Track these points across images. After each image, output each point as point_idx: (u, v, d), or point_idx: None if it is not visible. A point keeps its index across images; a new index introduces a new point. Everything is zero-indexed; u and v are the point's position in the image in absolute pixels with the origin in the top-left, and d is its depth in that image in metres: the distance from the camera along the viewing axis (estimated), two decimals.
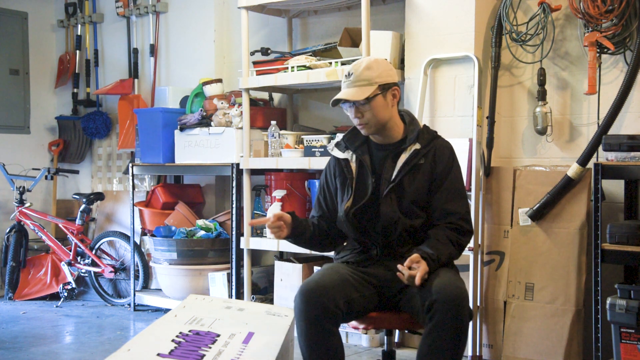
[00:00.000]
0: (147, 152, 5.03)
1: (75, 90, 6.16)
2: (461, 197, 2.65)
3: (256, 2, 4.37)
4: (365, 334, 4.01)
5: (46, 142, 6.25)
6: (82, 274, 5.41)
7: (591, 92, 3.49)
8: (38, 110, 6.24)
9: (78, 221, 5.41)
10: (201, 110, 4.79)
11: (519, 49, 3.79)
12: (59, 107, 6.33)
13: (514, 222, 3.74)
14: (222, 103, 4.69)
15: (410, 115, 2.74)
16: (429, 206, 2.64)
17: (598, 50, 3.48)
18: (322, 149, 4.07)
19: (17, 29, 6.12)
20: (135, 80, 5.73)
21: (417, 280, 2.38)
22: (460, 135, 3.81)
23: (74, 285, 5.36)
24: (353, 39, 4.16)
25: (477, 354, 3.70)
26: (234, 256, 4.55)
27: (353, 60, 2.89)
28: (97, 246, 5.39)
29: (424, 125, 2.74)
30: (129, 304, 5.11)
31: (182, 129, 4.83)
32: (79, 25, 6.09)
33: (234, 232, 4.55)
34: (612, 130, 3.49)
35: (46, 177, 5.78)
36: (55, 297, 5.46)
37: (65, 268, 5.38)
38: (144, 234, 5.18)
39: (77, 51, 6.11)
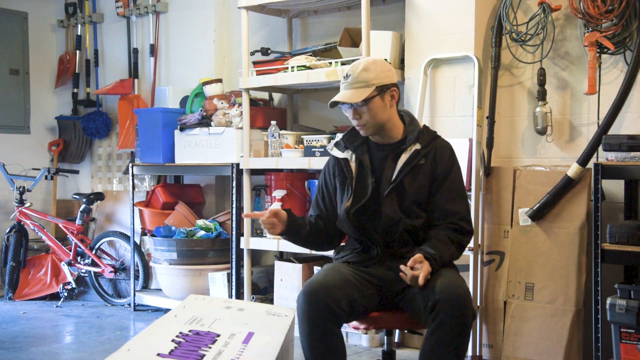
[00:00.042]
0: (147, 152, 5.03)
1: (75, 90, 6.16)
2: (461, 198, 2.65)
3: (256, 2, 4.37)
4: (365, 334, 4.01)
5: (46, 142, 6.25)
6: (82, 274, 5.41)
7: (591, 92, 3.49)
8: (38, 110, 6.24)
9: (78, 221, 5.41)
10: (201, 110, 4.79)
11: (519, 49, 3.79)
12: (59, 107, 6.33)
13: (514, 222, 3.74)
14: (222, 103, 4.69)
15: (410, 116, 2.74)
16: (429, 206, 2.64)
17: (598, 50, 3.48)
18: (322, 149, 4.06)
19: (17, 29, 6.12)
20: (135, 80, 5.73)
21: (421, 281, 2.38)
22: (460, 135, 3.81)
23: (74, 285, 5.36)
24: (353, 39, 4.16)
25: (477, 354, 3.70)
26: (234, 256, 4.55)
27: (353, 60, 2.89)
28: (97, 246, 5.39)
29: (424, 126, 2.74)
30: (129, 304, 5.11)
31: (182, 129, 4.83)
32: (79, 25, 6.10)
33: (234, 232, 4.55)
34: (612, 130, 3.49)
35: (46, 177, 5.78)
36: (55, 297, 5.46)
37: (65, 268, 5.38)
38: (144, 234, 5.18)
39: (77, 51, 6.11)
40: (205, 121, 4.74)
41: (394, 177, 2.60)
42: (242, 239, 4.48)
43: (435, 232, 2.58)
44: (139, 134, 5.11)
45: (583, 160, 3.52)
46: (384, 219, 2.59)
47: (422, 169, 2.62)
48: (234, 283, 4.55)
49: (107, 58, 6.04)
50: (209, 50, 5.29)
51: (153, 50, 5.61)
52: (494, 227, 3.80)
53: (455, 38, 3.83)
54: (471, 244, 3.62)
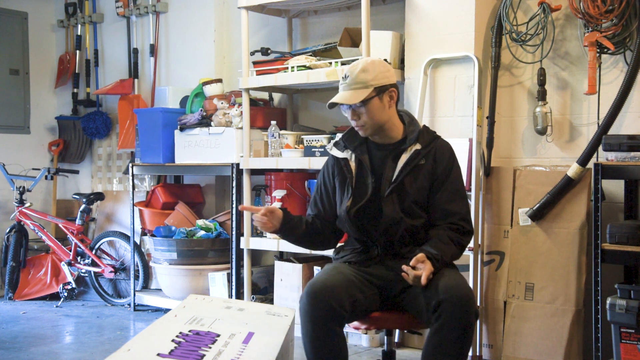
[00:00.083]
0: (147, 152, 5.03)
1: (75, 90, 6.16)
2: (462, 198, 2.65)
3: (256, 2, 4.37)
4: (365, 334, 4.01)
5: (46, 142, 6.25)
6: (82, 274, 5.41)
7: (591, 92, 3.49)
8: (38, 110, 6.24)
9: (78, 221, 5.41)
10: (201, 110, 4.79)
11: (519, 49, 3.79)
12: (59, 107, 6.33)
13: (514, 222, 3.74)
14: (222, 103, 4.69)
15: (409, 116, 2.74)
16: (429, 206, 2.64)
17: (598, 50, 3.48)
18: (322, 149, 4.07)
19: (17, 29, 6.12)
20: (135, 80, 5.73)
21: (423, 280, 2.38)
22: (460, 135, 3.81)
23: (74, 285, 5.36)
24: (353, 39, 4.16)
25: (477, 354, 3.70)
26: (234, 256, 4.55)
27: (353, 60, 2.89)
28: (97, 246, 5.39)
29: (424, 126, 2.74)
30: (129, 304, 5.11)
31: (182, 129, 4.83)
32: (79, 25, 6.10)
33: (234, 232, 4.55)
34: (612, 130, 3.49)
35: (46, 177, 5.78)
36: (55, 297, 5.46)
37: (65, 268, 5.38)
38: (144, 234, 5.18)
39: (77, 51, 6.11)
40: (205, 121, 4.74)
41: (394, 177, 2.61)
42: (242, 239, 4.48)
43: (436, 232, 2.59)
44: (139, 134, 5.11)
45: (583, 160, 3.52)
46: (385, 219, 2.60)
47: (423, 169, 2.62)
48: (234, 283, 4.55)
49: (107, 58, 6.04)
50: (209, 50, 5.29)
51: (153, 50, 5.61)
52: (494, 227, 3.80)
53: (455, 38, 3.83)
54: (471, 244, 3.62)
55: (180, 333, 2.29)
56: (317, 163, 4.05)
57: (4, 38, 6.04)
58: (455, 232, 2.59)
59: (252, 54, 4.58)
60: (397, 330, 3.90)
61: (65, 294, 5.32)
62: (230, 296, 4.55)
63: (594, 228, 3.15)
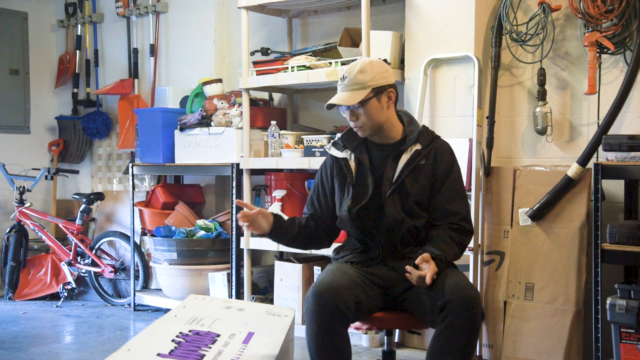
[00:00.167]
0: (147, 152, 5.03)
1: (75, 90, 6.16)
2: (462, 198, 2.66)
3: (256, 2, 4.37)
4: (365, 334, 4.00)
5: (46, 142, 6.25)
6: (82, 274, 5.41)
7: (591, 92, 3.49)
8: (38, 110, 6.24)
9: (78, 221, 5.40)
10: (201, 110, 4.79)
11: (519, 49, 3.79)
12: (59, 107, 6.33)
13: (514, 222, 3.74)
14: (222, 103, 4.69)
15: (409, 116, 2.74)
16: (430, 206, 2.64)
17: (598, 50, 3.48)
18: (322, 149, 4.06)
19: (17, 29, 6.12)
20: (135, 80, 5.73)
21: (428, 280, 2.38)
22: (460, 135, 3.81)
23: (74, 285, 5.36)
24: (353, 39, 4.16)
25: (477, 354, 3.70)
26: (234, 256, 4.55)
27: (353, 60, 2.89)
28: (97, 246, 5.39)
29: (423, 126, 2.74)
30: (129, 304, 5.11)
31: (182, 129, 4.83)
32: (79, 25, 6.09)
33: (234, 232, 4.55)
34: (612, 130, 3.49)
35: (46, 177, 5.78)
36: (55, 297, 5.46)
37: (65, 268, 5.38)
38: (144, 234, 5.18)
39: (77, 51, 6.11)
40: (205, 121, 4.74)
41: (395, 177, 2.60)
42: (242, 239, 4.48)
43: (437, 232, 2.59)
44: (139, 134, 5.11)
45: (583, 160, 3.52)
46: (387, 220, 2.59)
47: (423, 169, 2.62)
48: (234, 283, 4.55)
49: (107, 58, 6.04)
50: (209, 50, 5.29)
51: (153, 50, 5.61)
52: (494, 227, 3.80)
53: (455, 38, 3.83)
54: (471, 244, 3.62)
55: (180, 333, 2.29)
56: (317, 163, 4.05)
57: (4, 38, 6.04)
58: (456, 232, 2.59)
59: (252, 54, 4.58)
60: (397, 330, 3.90)
61: (65, 294, 5.32)
62: (230, 296, 4.55)
63: (594, 228, 3.15)
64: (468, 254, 3.68)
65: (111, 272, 5.21)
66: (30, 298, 5.52)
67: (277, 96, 4.93)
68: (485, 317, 3.75)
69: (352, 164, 2.68)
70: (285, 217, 2.77)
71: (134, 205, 5.13)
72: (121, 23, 5.86)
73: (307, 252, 4.09)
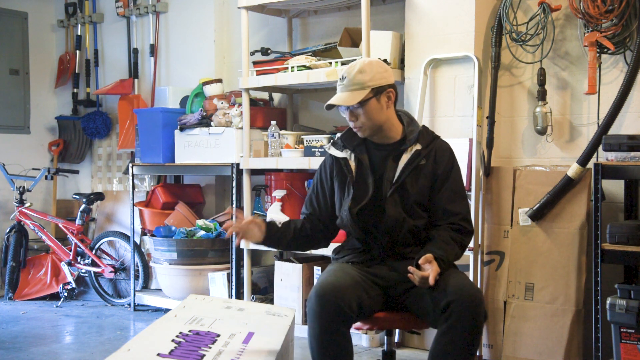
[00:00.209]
0: (147, 152, 5.03)
1: (75, 90, 6.16)
2: (462, 198, 2.66)
3: (256, 2, 4.37)
4: (366, 334, 4.00)
5: (46, 142, 6.25)
6: (82, 274, 5.41)
7: (591, 92, 3.49)
8: (38, 110, 6.24)
9: (78, 221, 5.40)
10: (201, 110, 4.79)
11: (519, 49, 3.79)
12: (59, 107, 6.33)
13: (514, 222, 3.74)
14: (222, 103, 4.69)
15: (408, 116, 2.74)
16: (430, 207, 2.64)
17: (598, 50, 3.48)
18: (322, 149, 4.06)
19: (17, 29, 6.12)
20: (135, 80, 5.73)
21: (431, 281, 2.38)
22: (460, 135, 3.81)
23: (74, 285, 5.36)
24: (353, 39, 4.16)
25: (477, 353, 3.70)
26: (234, 256, 4.55)
27: (353, 60, 2.89)
28: (97, 246, 5.39)
29: (423, 126, 2.74)
30: (129, 304, 5.11)
31: (182, 129, 4.83)
32: (79, 25, 6.09)
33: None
34: (612, 130, 3.50)
35: (46, 177, 5.78)
36: (55, 297, 5.46)
37: (65, 268, 5.38)
38: (144, 234, 5.18)
39: (77, 51, 6.11)
40: (205, 121, 4.74)
41: (396, 177, 2.60)
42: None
43: (438, 232, 2.58)
44: (139, 134, 5.11)
45: (583, 160, 3.52)
46: (388, 220, 2.59)
47: (424, 169, 2.62)
48: (234, 283, 4.55)
49: (107, 58, 6.04)
50: (209, 50, 5.29)
51: (153, 50, 5.61)
52: (494, 227, 3.80)
53: (455, 38, 3.83)
54: (471, 244, 3.62)
55: (180, 333, 2.29)
56: (317, 163, 4.02)
57: (4, 38, 6.04)
58: (457, 232, 2.59)
59: (252, 54, 4.58)
60: (397, 330, 3.90)
61: (65, 294, 5.32)
62: (230, 296, 4.55)
63: (594, 228, 3.15)
64: (468, 254, 3.68)
65: (111, 272, 5.21)
66: (30, 298, 5.52)
67: (277, 96, 4.93)
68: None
69: (352, 164, 2.68)
70: (281, 220, 2.77)
71: (134, 205, 5.13)
72: (121, 23, 5.86)
73: (307, 252, 4.08)
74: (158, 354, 2.06)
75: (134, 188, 5.12)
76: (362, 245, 2.68)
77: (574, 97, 3.74)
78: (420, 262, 2.44)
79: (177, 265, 4.74)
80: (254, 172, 4.50)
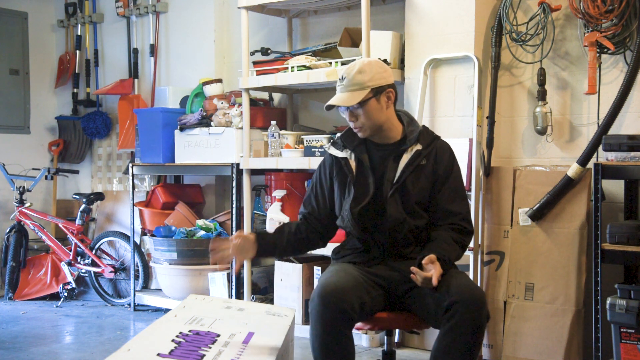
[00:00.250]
0: (147, 152, 5.03)
1: (75, 90, 6.16)
2: (462, 198, 2.65)
3: (256, 2, 4.37)
4: (366, 334, 4.00)
5: (46, 142, 6.25)
6: (82, 274, 5.41)
7: (591, 92, 3.49)
8: (38, 110, 6.24)
9: (78, 221, 5.41)
10: (201, 110, 4.79)
11: (519, 49, 3.79)
12: (59, 107, 6.33)
13: (514, 222, 3.74)
14: (222, 103, 4.69)
15: (408, 116, 2.73)
16: (430, 207, 2.64)
17: (598, 50, 3.48)
18: (322, 149, 4.06)
19: (17, 29, 6.12)
20: (135, 80, 5.73)
21: (435, 282, 2.37)
22: (460, 135, 3.81)
23: (74, 285, 5.36)
24: (353, 39, 4.16)
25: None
26: None
27: (353, 60, 2.89)
28: (97, 246, 5.39)
29: (423, 126, 2.74)
30: (129, 304, 5.11)
31: (182, 129, 4.83)
32: (79, 25, 6.10)
33: (234, 232, 4.54)
34: (612, 130, 3.50)
35: (46, 177, 5.78)
36: (55, 297, 5.46)
37: (65, 268, 5.38)
38: (144, 234, 5.18)
39: (77, 51, 6.11)
40: (205, 121, 4.74)
41: (396, 177, 2.60)
42: None
43: (439, 233, 2.58)
44: (139, 134, 5.11)
45: (583, 160, 3.52)
46: (389, 220, 2.59)
47: (424, 169, 2.62)
48: (234, 283, 4.55)
49: (107, 58, 6.04)
50: (209, 50, 5.29)
51: (153, 50, 5.61)
52: (494, 227, 3.80)
53: (455, 38, 3.83)
54: (471, 244, 3.62)
55: (180, 333, 2.29)
56: (317, 163, 4.02)
57: (4, 38, 6.04)
58: (457, 232, 2.59)
59: (252, 54, 4.58)
60: (397, 330, 3.90)
61: (65, 294, 5.32)
62: (230, 296, 4.55)
63: (594, 228, 3.15)
64: (468, 254, 3.68)
65: (111, 272, 5.21)
66: (30, 298, 5.52)
67: (277, 96, 4.93)
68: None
69: (353, 164, 2.68)
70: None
71: (134, 205, 5.13)
72: (121, 23, 5.86)
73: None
74: (158, 354, 2.06)
75: (134, 188, 5.12)
76: (362, 245, 2.68)
77: (574, 97, 3.74)
78: (423, 262, 2.44)
79: (177, 265, 4.74)
80: (254, 172, 4.50)
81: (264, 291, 4.66)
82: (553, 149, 3.78)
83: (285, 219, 4.20)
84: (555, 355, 3.51)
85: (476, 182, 3.71)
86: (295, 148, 4.26)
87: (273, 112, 4.69)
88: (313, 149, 4.13)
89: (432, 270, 2.41)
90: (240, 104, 4.56)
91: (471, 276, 3.68)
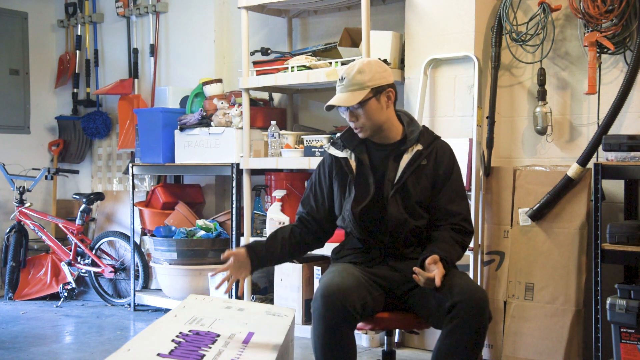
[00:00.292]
0: (147, 152, 5.03)
1: (75, 90, 6.16)
2: (462, 198, 2.65)
3: (256, 2, 4.37)
4: (366, 334, 4.00)
5: (46, 142, 6.25)
6: (82, 274, 5.41)
7: (591, 92, 3.49)
8: (38, 110, 6.24)
9: (78, 221, 5.40)
10: (201, 110, 4.79)
11: (519, 49, 3.79)
12: (59, 107, 6.33)
13: (514, 222, 3.74)
14: (222, 103, 4.69)
15: (408, 116, 2.73)
16: (431, 207, 2.64)
17: (598, 50, 3.48)
18: (322, 149, 4.07)
19: (17, 29, 6.12)
20: (135, 80, 5.73)
21: (438, 282, 2.37)
22: (460, 135, 3.81)
23: (74, 285, 5.36)
24: (353, 39, 4.16)
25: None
26: None
27: (353, 60, 2.89)
28: (97, 246, 5.39)
29: (424, 126, 2.74)
30: (129, 304, 5.11)
31: (182, 129, 4.83)
32: (79, 25, 6.10)
33: (234, 232, 4.55)
34: (612, 130, 3.50)
35: (46, 177, 5.78)
36: (55, 297, 5.46)
37: (65, 268, 5.38)
38: (144, 234, 5.18)
39: (77, 51, 6.11)
40: (205, 121, 4.74)
41: (397, 178, 2.60)
42: (242, 239, 4.48)
43: (440, 233, 2.58)
44: (139, 134, 5.11)
45: (583, 160, 3.52)
46: (390, 220, 2.58)
47: (425, 170, 2.62)
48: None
49: (107, 58, 6.04)
50: (209, 50, 5.29)
51: (153, 50, 5.61)
52: (494, 227, 3.80)
53: (455, 38, 3.83)
54: (471, 244, 3.62)
55: (180, 333, 2.29)
56: (317, 163, 4.05)
57: (4, 38, 6.04)
58: (458, 232, 2.59)
59: (252, 54, 4.59)
60: (397, 330, 3.90)
61: (65, 294, 5.32)
62: (230, 296, 4.54)
63: (594, 228, 3.15)
64: (468, 254, 3.68)
65: (111, 272, 5.21)
66: (30, 298, 5.52)
67: (277, 96, 4.93)
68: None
69: (353, 164, 2.67)
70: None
71: (134, 205, 5.13)
72: (121, 23, 5.86)
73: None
74: (158, 354, 2.06)
75: (134, 188, 5.12)
76: (362, 245, 2.68)
77: (574, 97, 3.74)
78: (427, 262, 2.44)
79: (177, 265, 4.74)
80: (254, 172, 4.50)
81: (264, 291, 4.66)
82: (553, 149, 3.78)
83: (285, 219, 4.20)
84: (555, 355, 3.51)
85: (476, 182, 3.71)
86: (295, 148, 4.26)
87: (273, 112, 4.69)
88: (313, 149, 4.13)
89: (435, 270, 2.40)
90: (240, 104, 4.56)
91: (471, 276, 3.68)
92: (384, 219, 2.60)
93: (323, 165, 2.79)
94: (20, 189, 5.52)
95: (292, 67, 4.21)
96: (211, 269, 4.68)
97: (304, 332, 4.16)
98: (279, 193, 4.31)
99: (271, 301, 4.39)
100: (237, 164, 4.51)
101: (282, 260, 2.81)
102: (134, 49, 5.75)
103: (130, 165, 5.14)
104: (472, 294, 2.36)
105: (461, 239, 2.59)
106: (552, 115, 3.71)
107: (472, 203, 3.65)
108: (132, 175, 5.11)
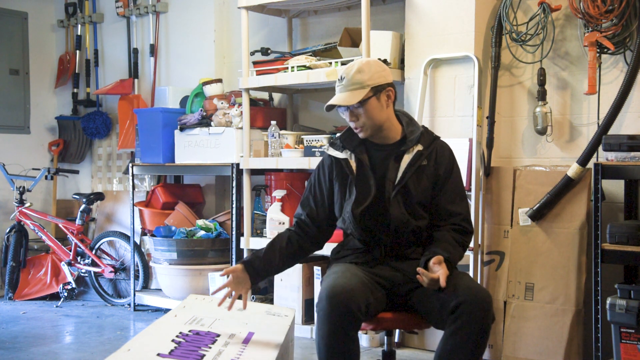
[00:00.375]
0: (147, 152, 5.03)
1: (75, 90, 6.16)
2: (462, 198, 2.65)
3: (256, 2, 4.37)
4: (366, 334, 4.00)
5: (46, 142, 6.25)
6: (82, 274, 5.41)
7: (591, 92, 3.49)
8: (38, 110, 6.24)
9: (78, 221, 5.40)
10: (201, 110, 4.79)
11: (519, 49, 3.79)
12: (59, 107, 6.33)
13: (514, 222, 3.74)
14: (222, 103, 4.69)
15: (408, 116, 2.73)
16: (431, 207, 2.64)
17: (598, 50, 3.48)
18: (322, 149, 4.07)
19: (17, 29, 6.12)
20: (135, 80, 5.73)
21: (443, 283, 2.37)
22: (460, 135, 3.81)
23: (74, 285, 5.36)
24: (353, 39, 4.16)
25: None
26: (234, 256, 4.55)
27: (353, 60, 2.89)
28: (97, 246, 5.39)
29: (423, 126, 2.73)
30: (129, 304, 5.11)
31: (182, 129, 4.83)
32: (79, 25, 6.10)
33: (234, 232, 4.55)
34: (612, 130, 3.50)
35: (46, 177, 5.78)
36: (55, 297, 5.46)
37: (65, 268, 5.38)
38: (144, 234, 5.18)
39: (77, 51, 6.11)
40: (205, 121, 4.74)
41: (398, 178, 2.59)
42: (242, 239, 4.48)
43: (441, 234, 2.58)
44: (139, 134, 5.11)
45: (583, 160, 3.52)
46: (392, 221, 2.58)
47: (425, 170, 2.62)
48: None
49: (107, 58, 6.04)
50: (209, 50, 5.29)
51: (153, 50, 5.61)
52: (494, 227, 3.80)
53: (455, 38, 3.83)
54: (471, 244, 3.62)
55: (180, 333, 2.30)
56: (317, 163, 4.05)
57: (4, 38, 6.04)
58: (458, 232, 2.59)
59: (252, 54, 4.59)
60: (397, 330, 3.90)
61: (65, 294, 5.32)
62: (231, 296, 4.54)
63: (594, 228, 3.15)
64: (468, 254, 3.68)
65: (111, 272, 5.21)
66: (30, 298, 5.52)
67: (277, 96, 4.93)
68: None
69: (353, 164, 2.67)
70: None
71: (134, 205, 5.13)
72: (121, 23, 5.86)
73: None
74: (158, 354, 2.06)
75: (134, 188, 5.12)
76: (363, 245, 2.67)
77: (574, 97, 3.74)
78: (432, 262, 2.44)
79: (177, 265, 4.74)
80: (254, 172, 4.50)
81: (264, 291, 4.66)
82: (553, 149, 3.78)
83: (285, 219, 4.20)
84: (555, 355, 3.51)
85: (476, 182, 3.71)
86: (295, 148, 4.26)
87: (273, 112, 4.69)
88: (313, 149, 4.13)
89: (439, 271, 2.40)
90: (240, 104, 4.56)
91: (471, 276, 3.68)
92: (385, 220, 2.60)
93: (322, 166, 2.78)
94: (20, 189, 5.52)
95: (292, 67, 4.21)
96: (211, 269, 4.69)
97: (304, 332, 4.17)
98: (279, 193, 4.31)
99: (271, 301, 4.39)
100: (237, 164, 4.51)
101: (282, 270, 2.79)
102: (134, 49, 5.75)
103: (130, 165, 5.13)
104: (476, 294, 2.37)
105: (462, 239, 2.59)
106: (552, 115, 3.71)
107: (472, 203, 3.65)
108: (132, 175, 5.11)
